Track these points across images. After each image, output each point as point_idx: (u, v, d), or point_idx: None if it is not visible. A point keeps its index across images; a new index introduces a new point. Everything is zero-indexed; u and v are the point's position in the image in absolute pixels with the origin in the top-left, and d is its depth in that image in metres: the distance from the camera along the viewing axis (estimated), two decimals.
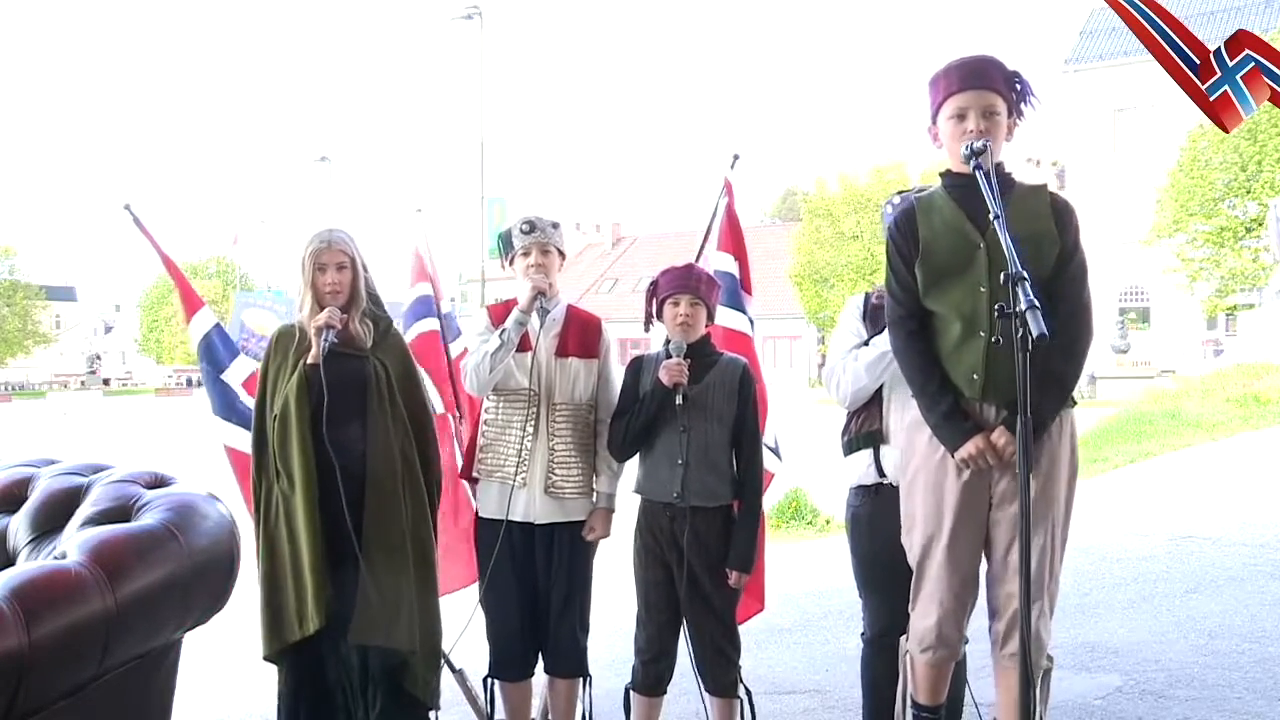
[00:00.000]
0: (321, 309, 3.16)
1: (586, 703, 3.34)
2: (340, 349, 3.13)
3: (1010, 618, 2.67)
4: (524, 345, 3.26)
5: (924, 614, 2.76)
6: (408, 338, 3.93)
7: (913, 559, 2.80)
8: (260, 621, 3.12)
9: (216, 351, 3.96)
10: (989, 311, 2.60)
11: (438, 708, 3.28)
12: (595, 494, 3.33)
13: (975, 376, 2.64)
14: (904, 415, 2.87)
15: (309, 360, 3.11)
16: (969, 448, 2.62)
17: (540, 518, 3.25)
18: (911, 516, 2.81)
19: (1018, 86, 2.71)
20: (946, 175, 2.79)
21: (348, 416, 3.10)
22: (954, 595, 2.72)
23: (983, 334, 2.62)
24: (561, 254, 3.36)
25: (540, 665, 3.37)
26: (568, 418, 3.29)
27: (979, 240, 2.66)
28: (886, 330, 2.87)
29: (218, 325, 4.01)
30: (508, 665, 3.32)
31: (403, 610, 3.09)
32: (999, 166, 2.69)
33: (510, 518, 3.23)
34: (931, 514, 2.73)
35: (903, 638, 2.91)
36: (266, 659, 3.15)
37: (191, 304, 4.04)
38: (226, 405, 3.88)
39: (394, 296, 3.89)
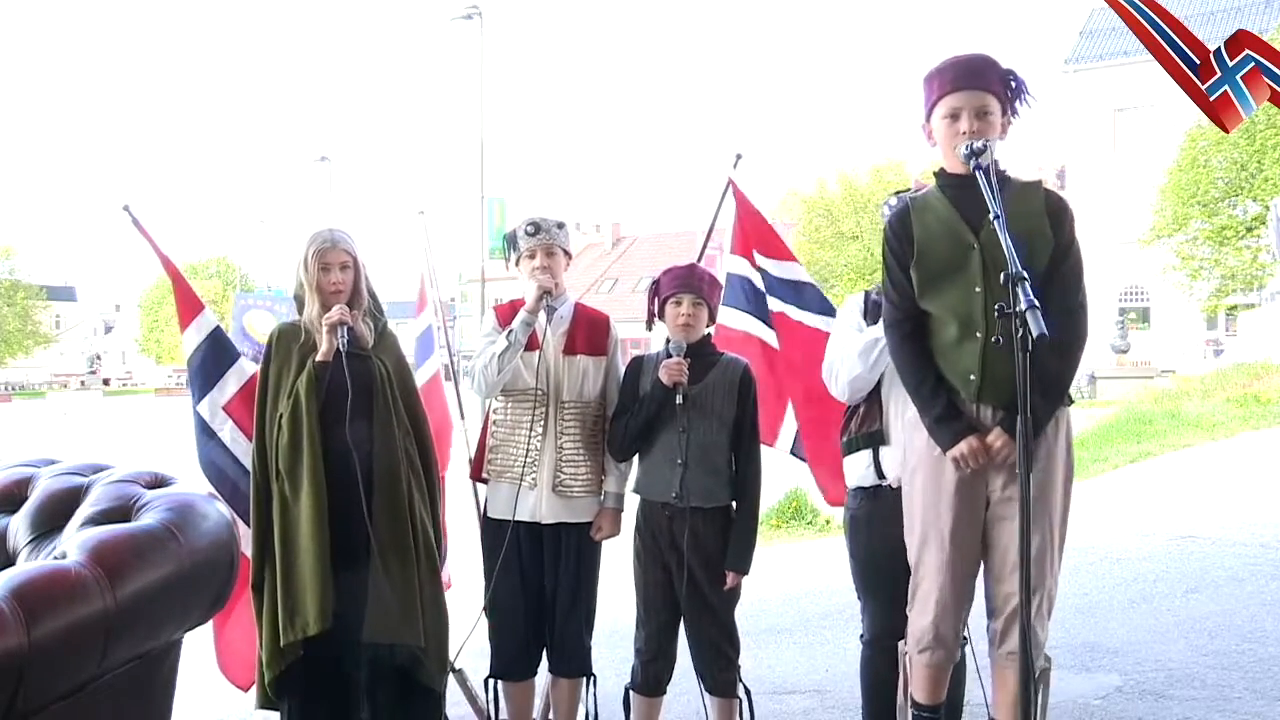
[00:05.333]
0: (326, 308, 3.15)
1: (590, 703, 3.34)
2: (347, 348, 3.12)
3: (1008, 616, 2.67)
4: (531, 344, 3.25)
5: (921, 612, 2.76)
6: (417, 380, 3.81)
7: (912, 558, 2.80)
8: (264, 636, 3.06)
9: (206, 366, 3.61)
10: (985, 312, 2.60)
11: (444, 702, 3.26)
12: (603, 493, 3.33)
13: (972, 377, 2.65)
14: (904, 412, 2.87)
15: (319, 356, 3.11)
16: (961, 447, 2.62)
17: (548, 518, 3.25)
18: (911, 514, 2.80)
19: (1013, 85, 2.70)
20: (941, 175, 2.79)
21: (356, 414, 3.09)
22: (951, 594, 2.71)
23: (979, 335, 2.62)
24: (567, 254, 3.36)
25: (542, 665, 3.36)
26: (576, 416, 3.28)
27: (973, 241, 2.65)
28: (883, 332, 2.88)
29: (217, 329, 3.70)
30: (512, 665, 3.32)
31: (415, 606, 3.08)
32: (995, 164, 2.66)
33: (518, 518, 3.22)
34: (929, 512, 2.73)
35: (900, 642, 2.91)
36: (272, 682, 3.05)
37: (190, 308, 3.67)
38: (210, 460, 3.55)
39: (393, 296, 3.84)
